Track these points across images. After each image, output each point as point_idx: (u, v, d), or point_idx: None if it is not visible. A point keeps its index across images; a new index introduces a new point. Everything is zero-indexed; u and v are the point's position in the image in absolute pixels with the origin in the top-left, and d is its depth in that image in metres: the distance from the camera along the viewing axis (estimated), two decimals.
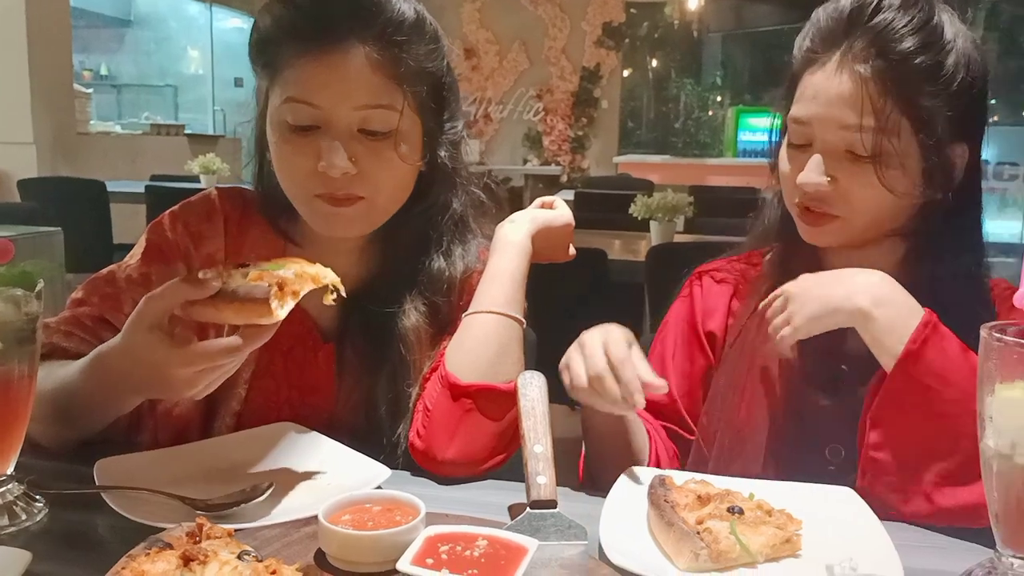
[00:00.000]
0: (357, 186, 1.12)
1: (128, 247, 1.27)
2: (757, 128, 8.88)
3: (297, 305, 1.20)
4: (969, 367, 0.94)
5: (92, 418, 1.08)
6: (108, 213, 5.16)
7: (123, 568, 0.71)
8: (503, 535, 0.78)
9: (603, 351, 1.00)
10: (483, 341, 1.13)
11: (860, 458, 1.03)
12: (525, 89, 9.73)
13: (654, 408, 1.23)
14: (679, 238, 3.96)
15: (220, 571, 0.71)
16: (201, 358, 0.93)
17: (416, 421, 1.13)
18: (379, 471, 1.02)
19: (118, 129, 8.05)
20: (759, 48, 10.34)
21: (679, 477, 0.98)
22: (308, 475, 1.04)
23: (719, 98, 10.30)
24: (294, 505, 0.96)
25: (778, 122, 1.20)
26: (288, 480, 1.01)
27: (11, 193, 5.46)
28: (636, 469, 1.04)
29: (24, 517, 0.91)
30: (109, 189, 5.18)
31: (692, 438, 1.23)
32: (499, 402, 1.09)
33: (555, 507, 0.87)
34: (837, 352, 1.15)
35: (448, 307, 1.22)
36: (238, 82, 10.18)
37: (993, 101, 8.63)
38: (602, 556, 0.83)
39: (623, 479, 1.01)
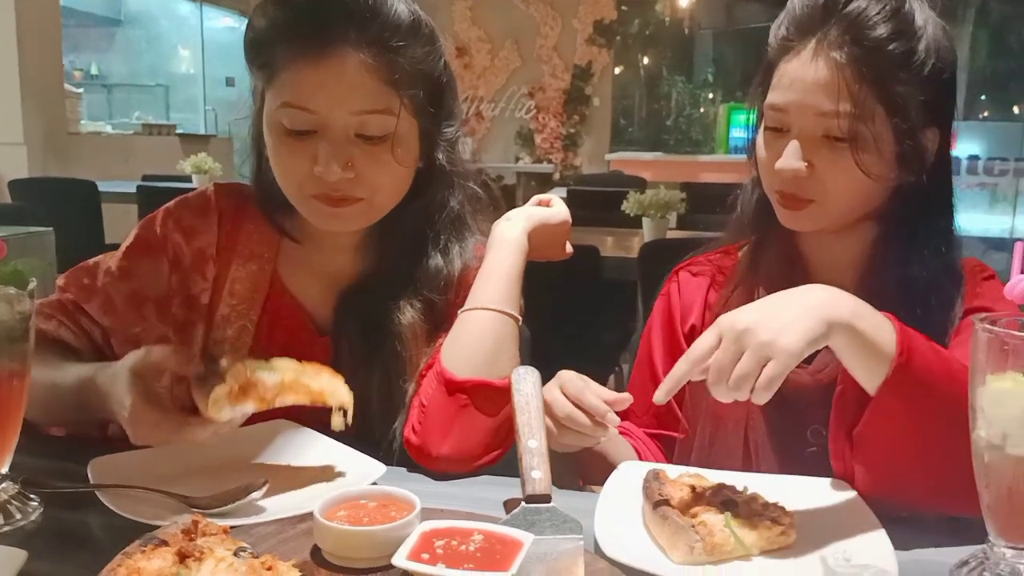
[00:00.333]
0: (354, 188, 1.12)
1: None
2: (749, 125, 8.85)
3: (292, 299, 1.19)
4: (943, 360, 0.93)
5: (78, 418, 1.13)
6: (99, 213, 5.14)
7: (119, 566, 0.70)
8: (498, 530, 0.78)
9: (561, 394, 1.04)
10: (479, 337, 1.13)
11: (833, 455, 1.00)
12: (517, 87, 9.70)
13: (650, 411, 1.23)
14: (672, 235, 3.96)
15: (216, 568, 0.71)
16: (162, 431, 0.96)
17: (411, 417, 1.13)
18: (374, 467, 1.03)
19: (109, 129, 8.00)
20: (750, 45, 10.30)
21: (673, 471, 0.99)
22: (303, 471, 1.04)
23: (711, 95, 10.28)
24: (290, 502, 0.96)
25: (753, 117, 1.20)
26: (283, 477, 1.02)
27: (2, 194, 5.43)
28: (630, 463, 1.04)
29: (19, 516, 0.90)
30: (100, 189, 5.16)
31: (683, 437, 1.23)
32: (494, 398, 1.09)
33: (550, 501, 0.88)
34: None
35: (444, 304, 1.23)
36: (229, 81, 10.13)
37: (983, 97, 8.69)
38: (597, 550, 0.84)
39: (617, 473, 1.01)
